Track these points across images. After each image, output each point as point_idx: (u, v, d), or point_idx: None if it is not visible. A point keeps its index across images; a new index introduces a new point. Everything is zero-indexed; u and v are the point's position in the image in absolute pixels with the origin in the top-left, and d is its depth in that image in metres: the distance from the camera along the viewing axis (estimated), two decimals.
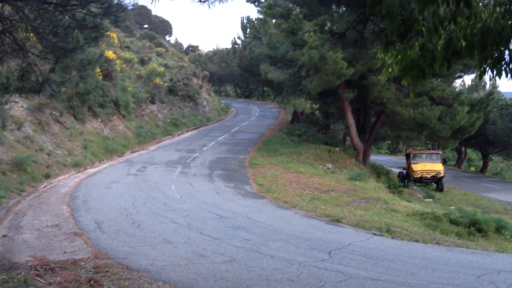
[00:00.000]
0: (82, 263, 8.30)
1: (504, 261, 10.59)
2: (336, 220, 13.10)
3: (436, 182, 28.87)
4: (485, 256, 10.91)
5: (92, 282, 7.07)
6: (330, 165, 22.98)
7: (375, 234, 12.01)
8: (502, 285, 8.47)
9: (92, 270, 7.94)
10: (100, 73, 25.48)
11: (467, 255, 10.85)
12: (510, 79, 5.60)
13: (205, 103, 44.80)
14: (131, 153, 25.30)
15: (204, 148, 27.08)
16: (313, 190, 17.55)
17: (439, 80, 26.54)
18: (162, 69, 37.34)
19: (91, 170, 19.96)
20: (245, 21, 64.09)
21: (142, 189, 16.24)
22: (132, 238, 10.29)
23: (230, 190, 16.87)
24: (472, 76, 34.26)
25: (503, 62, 5.63)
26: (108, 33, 25.50)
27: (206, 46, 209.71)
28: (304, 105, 27.04)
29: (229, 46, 74.56)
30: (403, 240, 11.72)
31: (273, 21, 31.98)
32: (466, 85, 46.19)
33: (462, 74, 28.42)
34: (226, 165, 21.92)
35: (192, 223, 11.78)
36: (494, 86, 38.55)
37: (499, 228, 13.84)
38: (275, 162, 22.50)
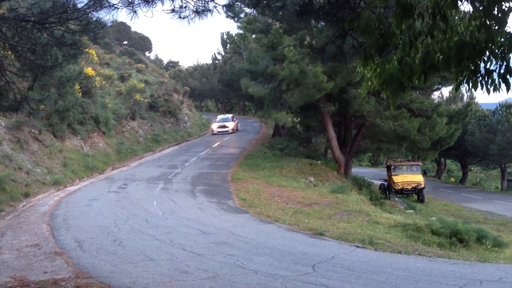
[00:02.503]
0: (63, 283, 8.16)
1: (486, 271, 10.69)
2: (319, 234, 13.11)
3: (417, 193, 29.15)
4: (467, 266, 11.01)
5: None
6: (312, 179, 23.05)
7: (358, 247, 12.04)
8: None
9: None
10: (79, 90, 25.29)
11: (449, 265, 10.94)
12: (486, 91, 5.71)
13: (186, 118, 44.71)
14: (112, 170, 25.07)
15: (186, 164, 26.96)
16: (295, 203, 17.57)
17: (417, 92, 26.94)
18: (142, 85, 37.22)
19: (71, 188, 19.71)
20: (225, 36, 64.46)
21: (123, 207, 16.07)
22: (114, 256, 10.15)
23: (213, 205, 16.79)
24: (450, 88, 34.89)
25: (479, 75, 5.75)
26: (87, 50, 25.39)
27: (186, 62, 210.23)
28: (285, 119, 27.15)
29: (209, 61, 74.66)
30: (385, 252, 11.77)
31: (253, 36, 32.23)
32: (444, 97, 46.92)
33: (440, 86, 28.89)
34: (209, 181, 21.84)
35: (175, 239, 11.68)
36: (471, 97, 39.25)
37: (480, 238, 14.00)
38: (258, 177, 22.49)
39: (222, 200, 17.74)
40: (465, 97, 43.94)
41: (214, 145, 35.85)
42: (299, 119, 32.36)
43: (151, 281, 8.41)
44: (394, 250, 11.97)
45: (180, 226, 13.32)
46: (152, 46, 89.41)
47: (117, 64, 42.32)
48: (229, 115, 47.83)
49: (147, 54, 79.41)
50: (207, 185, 20.77)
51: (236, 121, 44.97)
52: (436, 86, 28.52)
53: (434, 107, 26.27)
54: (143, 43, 78.78)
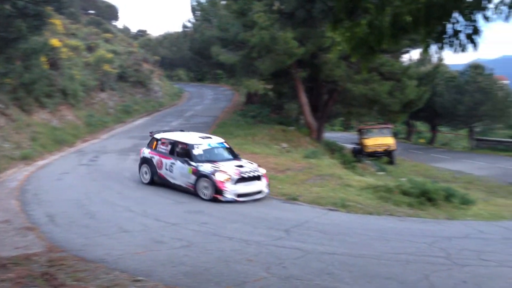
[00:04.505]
0: (36, 258, 8.06)
1: (454, 228, 11.02)
2: (292, 199, 13.27)
3: (388, 155, 29.61)
4: (436, 224, 11.32)
5: (46, 276, 6.89)
6: (285, 145, 23.14)
7: (330, 210, 12.26)
8: (452, 250, 8.83)
9: (46, 264, 7.73)
10: (46, 62, 24.52)
11: (419, 224, 11.23)
12: (454, 52, 5.76)
13: (157, 88, 44.00)
14: (82, 143, 24.64)
15: None
16: (269, 170, 17.58)
17: (387, 55, 27.01)
18: (110, 55, 36.32)
19: (41, 163, 19.33)
20: (194, 3, 63.02)
21: (95, 179, 15.87)
22: (86, 229, 10.07)
23: None
24: (419, 50, 35.11)
25: (446, 36, 5.77)
26: (51, 20, 24.56)
27: (156, 31, 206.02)
28: (257, 86, 27.01)
29: (180, 29, 73.05)
30: (357, 214, 12.02)
31: (223, 2, 31.60)
32: (414, 59, 47.14)
33: (409, 49, 28.98)
34: None
35: (148, 210, 11.63)
36: (440, 59, 39.53)
37: (448, 196, 14.33)
38: (231, 144, 22.40)
39: None
40: (434, 59, 44.29)
41: (186, 115, 35.51)
42: (271, 85, 32.26)
43: (125, 252, 8.40)
44: (365, 211, 12.21)
45: (153, 197, 13.27)
46: (119, 14, 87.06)
47: (83, 34, 41.07)
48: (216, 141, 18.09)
49: (114, 23, 77.31)
50: None
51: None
52: (406, 49, 28.60)
53: (404, 70, 26.41)
54: (110, 11, 76.50)
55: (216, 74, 71.83)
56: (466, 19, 5.42)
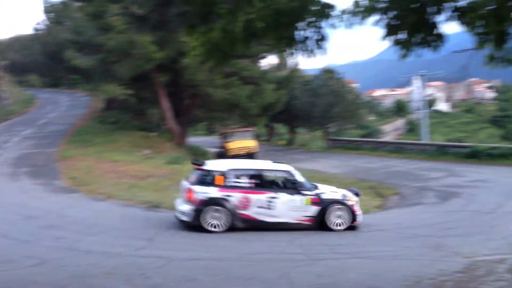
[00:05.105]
0: None
1: None
2: (155, 206, 13.02)
3: (250, 157, 30.41)
4: None
5: None
6: (147, 151, 22.66)
7: None
8: (309, 246, 9.25)
9: None
10: None
11: None
12: (304, 57, 6.06)
13: (5, 95, 40.46)
14: None
15: (6, 145, 24.48)
16: (130, 178, 17.11)
17: (247, 60, 27.77)
18: None
19: None
20: (47, 4, 59.08)
21: None
22: None
23: (39, 187, 15.53)
24: (277, 55, 36.68)
25: (296, 42, 6.05)
26: None
27: (5, 33, 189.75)
28: (115, 91, 26.11)
29: (31, 32, 67.90)
30: None
31: (77, 4, 30.03)
32: (272, 64, 49.15)
33: (267, 54, 30.12)
34: (33, 161, 20.12)
35: None
36: (296, 64, 41.65)
37: None
38: (89, 153, 21.36)
39: (50, 180, 16.51)
40: (291, 64, 46.61)
41: (39, 123, 33.11)
42: (131, 91, 31.39)
43: None
44: None
45: (1, 213, 12.10)
46: None
47: None
48: None
49: None
50: (31, 166, 19.13)
51: None
52: (264, 54, 29.68)
53: (262, 74, 27.41)
54: None
55: (72, 80, 68.13)
56: (311, 26, 5.71)
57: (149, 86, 28.56)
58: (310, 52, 6.04)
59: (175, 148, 25.63)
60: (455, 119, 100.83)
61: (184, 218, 10.55)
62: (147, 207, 13.04)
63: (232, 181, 10.93)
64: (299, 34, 5.92)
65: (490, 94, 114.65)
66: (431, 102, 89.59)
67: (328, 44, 5.92)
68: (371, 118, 78.90)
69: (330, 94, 41.63)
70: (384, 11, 5.44)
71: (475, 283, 7.01)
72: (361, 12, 5.54)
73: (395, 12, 5.43)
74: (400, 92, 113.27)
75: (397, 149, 33.97)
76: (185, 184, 11.06)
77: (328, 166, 29.15)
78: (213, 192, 10.69)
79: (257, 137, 33.71)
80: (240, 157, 29.73)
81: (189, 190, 10.68)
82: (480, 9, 5.40)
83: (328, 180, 25.10)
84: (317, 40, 5.94)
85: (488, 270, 7.63)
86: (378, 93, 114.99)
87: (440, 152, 30.16)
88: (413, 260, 8.49)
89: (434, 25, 5.47)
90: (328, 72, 45.02)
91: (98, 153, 21.34)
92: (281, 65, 37.23)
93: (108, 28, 22.91)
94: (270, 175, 11.59)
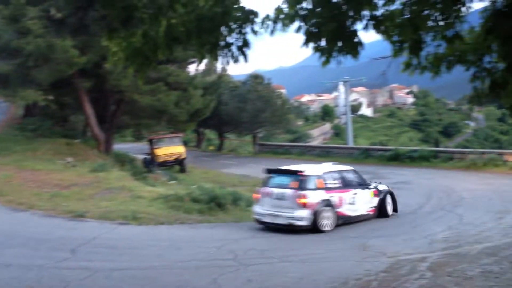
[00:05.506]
0: None
1: (241, 230, 11.70)
2: (79, 216, 12.59)
3: (179, 164, 30.10)
4: (225, 228, 11.87)
5: None
6: (70, 159, 21.80)
7: (121, 224, 11.95)
8: (239, 252, 9.33)
9: None
10: None
11: (209, 229, 11.65)
12: (227, 63, 6.10)
13: None
14: None
15: None
16: (52, 187, 16.40)
17: (174, 65, 27.49)
18: None
19: None
20: None
21: None
22: None
23: None
24: (205, 61, 36.63)
25: (219, 47, 6.07)
26: None
27: None
28: (35, 97, 24.97)
29: None
30: (149, 225, 11.95)
31: None
32: (200, 70, 48.95)
33: (194, 59, 29.97)
34: None
35: None
36: (223, 69, 41.71)
37: (235, 200, 15.20)
38: (7, 162, 20.24)
39: None
40: (219, 69, 46.68)
41: None
42: (52, 96, 30.16)
43: None
44: (157, 222, 12.21)
45: None
46: None
47: None
48: None
49: None
50: None
51: None
52: (192, 59, 29.50)
53: (190, 80, 27.21)
54: None
55: None
56: (232, 33, 5.76)
57: (72, 92, 27.50)
58: (233, 58, 6.09)
59: (100, 156, 24.85)
60: (378, 124, 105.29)
61: (301, 223, 11.32)
62: (70, 217, 12.57)
63: (328, 183, 12.14)
64: (222, 40, 5.95)
65: (410, 100, 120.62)
66: (355, 107, 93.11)
67: (251, 51, 5.99)
68: (299, 123, 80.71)
69: (258, 100, 42.09)
70: (304, 18, 5.58)
71: (398, 281, 7.31)
72: (282, 19, 5.64)
73: (315, 20, 5.58)
74: (326, 98, 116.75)
75: (324, 153, 34.94)
76: (290, 191, 11.67)
77: (257, 171, 29.25)
78: (322, 195, 11.77)
79: (185, 143, 33.47)
80: (169, 163, 29.42)
81: (303, 196, 11.43)
82: (396, 18, 5.70)
83: (257, 185, 25.35)
84: (240, 46, 5.99)
85: (411, 268, 8.00)
86: (305, 98, 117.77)
87: (365, 156, 31.37)
88: (341, 262, 8.77)
89: (353, 33, 5.67)
90: (256, 78, 45.52)
91: (17, 161, 20.30)
92: (209, 70, 37.19)
93: (26, 32, 21.87)
94: (347, 175, 12.94)
